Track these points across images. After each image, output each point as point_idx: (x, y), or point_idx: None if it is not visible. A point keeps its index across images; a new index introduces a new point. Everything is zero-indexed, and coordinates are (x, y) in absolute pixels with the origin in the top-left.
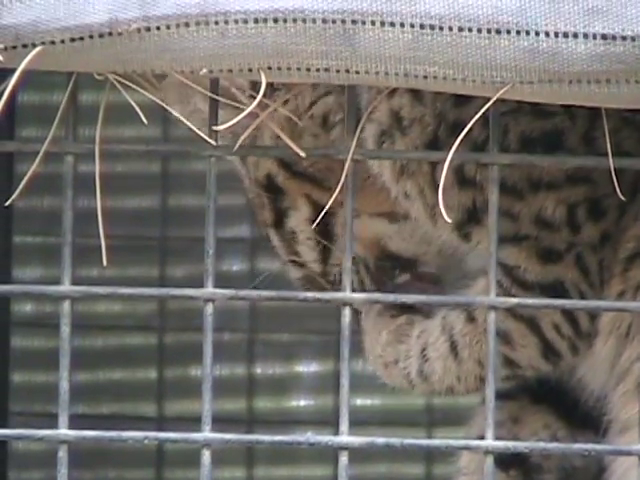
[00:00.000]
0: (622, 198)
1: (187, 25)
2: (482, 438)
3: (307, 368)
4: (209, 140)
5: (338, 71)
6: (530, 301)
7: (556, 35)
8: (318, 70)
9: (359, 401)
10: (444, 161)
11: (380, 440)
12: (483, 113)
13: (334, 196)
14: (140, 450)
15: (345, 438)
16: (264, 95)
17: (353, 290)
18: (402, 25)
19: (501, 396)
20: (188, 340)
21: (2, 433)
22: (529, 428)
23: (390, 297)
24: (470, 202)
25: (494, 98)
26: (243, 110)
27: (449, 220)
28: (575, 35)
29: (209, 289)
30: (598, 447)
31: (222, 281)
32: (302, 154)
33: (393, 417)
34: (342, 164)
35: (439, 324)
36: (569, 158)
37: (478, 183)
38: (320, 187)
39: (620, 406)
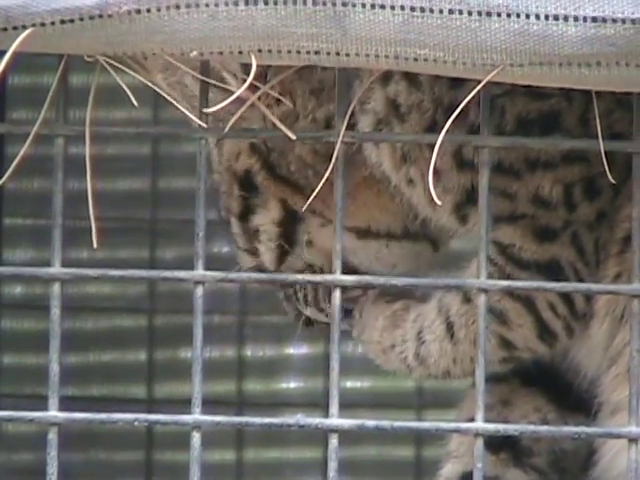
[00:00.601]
0: (612, 181)
1: (177, 7)
2: (472, 421)
3: (297, 350)
4: (199, 122)
5: (328, 53)
6: (520, 283)
7: (546, 18)
8: (308, 53)
9: (349, 383)
10: (436, 145)
11: (370, 423)
12: (479, 95)
13: (324, 180)
14: (130, 432)
15: (335, 420)
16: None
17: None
18: (392, 7)
19: (491, 379)
20: (178, 322)
21: None
22: (519, 411)
23: (380, 279)
24: (469, 183)
25: (484, 81)
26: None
27: (439, 202)
28: (565, 18)
29: (199, 271)
30: (588, 430)
31: (212, 263)
32: (292, 136)
33: (383, 400)
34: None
35: (435, 306)
36: (561, 140)
37: (476, 165)
38: (300, 194)
39: (611, 389)
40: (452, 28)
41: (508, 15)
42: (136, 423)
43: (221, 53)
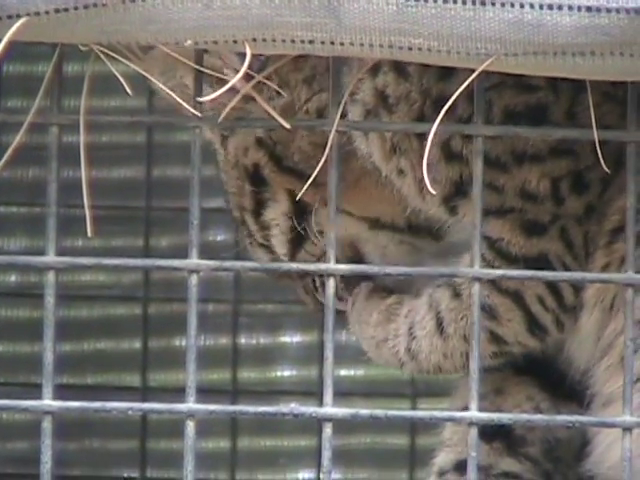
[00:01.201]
0: (606, 170)
1: None
2: (466, 410)
3: (291, 339)
4: (194, 111)
5: (323, 43)
6: (515, 272)
7: (541, 7)
8: (303, 42)
9: (343, 372)
10: (430, 134)
11: (364, 411)
12: (467, 88)
13: (318, 168)
14: (124, 421)
15: (329, 409)
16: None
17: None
18: None
19: (485, 368)
20: (172, 311)
21: None
22: (512, 400)
23: (374, 269)
24: (457, 175)
25: (479, 70)
26: (234, 87)
27: (433, 192)
28: (560, 7)
29: (194, 260)
30: (582, 419)
31: (207, 252)
32: (287, 126)
33: (377, 388)
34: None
35: (426, 302)
36: (553, 130)
37: (464, 157)
38: (302, 181)
39: (604, 380)
40: (446, 17)
41: (502, 4)
42: (130, 412)
43: (215, 42)
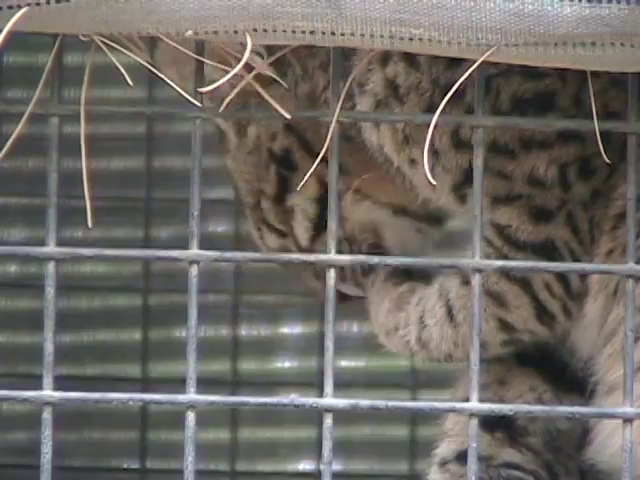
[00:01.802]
0: (607, 161)
1: None
2: (467, 400)
3: (292, 330)
4: (194, 102)
5: (324, 33)
6: (514, 263)
7: None
8: (304, 32)
9: (344, 363)
10: (431, 125)
11: (364, 402)
12: (460, 81)
13: (319, 157)
14: (124, 411)
15: (330, 400)
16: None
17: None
18: None
19: (494, 356)
20: (173, 301)
21: None
22: (515, 390)
23: (375, 259)
24: (467, 164)
25: (479, 60)
26: (240, 76)
27: (434, 182)
28: None
29: (194, 251)
30: (583, 410)
31: (207, 242)
32: (287, 116)
33: (377, 379)
34: (361, 149)
35: (436, 290)
36: (554, 121)
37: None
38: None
39: (607, 367)
40: (447, 8)
41: None
42: (131, 402)
43: (216, 33)
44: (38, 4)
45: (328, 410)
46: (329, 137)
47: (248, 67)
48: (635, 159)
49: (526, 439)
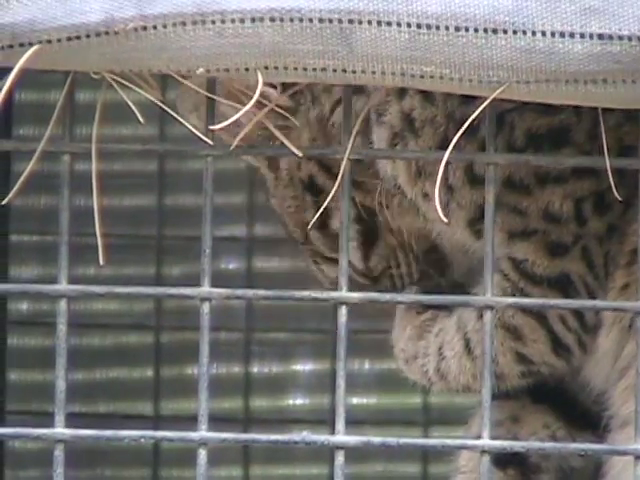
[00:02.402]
0: (619, 198)
1: (184, 24)
2: (480, 437)
3: (303, 367)
4: (206, 139)
5: (335, 70)
6: (527, 301)
7: (552, 35)
8: (315, 70)
9: (355, 400)
10: (442, 162)
11: (376, 439)
12: (471, 118)
13: (331, 194)
14: (136, 449)
15: (341, 437)
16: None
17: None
18: (399, 24)
19: (501, 395)
20: (184, 339)
21: None
22: (528, 428)
23: (386, 297)
24: (481, 199)
25: (490, 98)
26: (253, 114)
27: (445, 220)
28: (572, 35)
29: (206, 288)
30: (595, 447)
31: (218, 280)
32: (299, 154)
33: (389, 416)
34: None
35: (455, 323)
36: (566, 158)
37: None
38: (359, 189)
39: (621, 402)
40: (458, 45)
41: (514, 32)
42: (143, 440)
43: (227, 70)
44: (49, 42)
45: (340, 447)
46: (340, 174)
47: (260, 104)
48: None
49: (539, 476)
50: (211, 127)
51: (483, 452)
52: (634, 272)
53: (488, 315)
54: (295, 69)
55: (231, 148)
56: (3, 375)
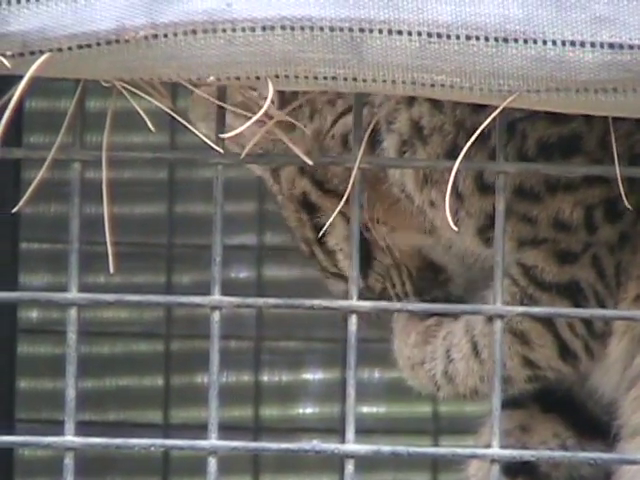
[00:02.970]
0: (628, 206)
1: (194, 32)
2: (490, 446)
3: (313, 376)
4: (216, 148)
5: (345, 79)
6: (537, 309)
7: (563, 44)
8: (325, 78)
9: (365, 409)
10: (453, 171)
11: (386, 448)
12: (482, 127)
13: (342, 203)
14: (146, 457)
15: (351, 446)
16: (273, 103)
17: (367, 298)
18: (409, 33)
19: (510, 404)
20: (194, 347)
21: (8, 440)
22: (538, 437)
23: (396, 305)
24: (490, 208)
25: (501, 107)
26: (264, 123)
27: (455, 228)
28: (582, 44)
29: (216, 296)
30: (604, 456)
31: (228, 288)
32: (309, 162)
33: (399, 425)
34: (372, 182)
35: (462, 325)
36: (575, 167)
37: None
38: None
39: (631, 411)
40: (469, 54)
41: (525, 41)
42: (152, 448)
43: (238, 78)
44: (60, 50)
45: (350, 456)
46: (351, 183)
47: (263, 116)
48: None
49: None
50: (221, 135)
51: (493, 461)
52: None
53: (498, 324)
54: (306, 77)
55: (241, 156)
56: (13, 383)
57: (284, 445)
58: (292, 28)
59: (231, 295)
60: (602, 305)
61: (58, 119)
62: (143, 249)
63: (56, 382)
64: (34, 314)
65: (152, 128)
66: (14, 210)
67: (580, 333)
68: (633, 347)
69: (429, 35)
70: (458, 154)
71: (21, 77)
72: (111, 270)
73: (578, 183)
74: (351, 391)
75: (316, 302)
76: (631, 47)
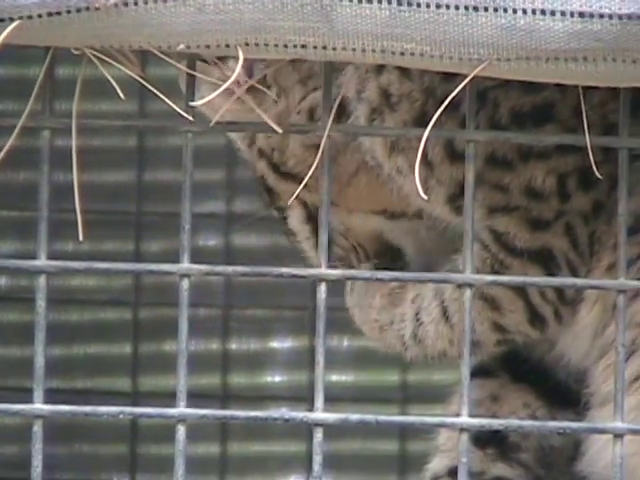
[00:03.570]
0: (599, 176)
1: (165, 0)
2: (459, 415)
3: (282, 344)
4: (186, 115)
5: (315, 47)
6: (506, 278)
7: (533, 12)
8: (295, 46)
9: (334, 377)
10: (423, 139)
11: (354, 417)
12: (472, 88)
13: (310, 172)
14: (114, 425)
15: (320, 415)
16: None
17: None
18: (379, 1)
19: (481, 373)
20: (163, 315)
21: None
22: (508, 407)
23: (366, 274)
24: (460, 176)
25: (471, 75)
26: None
27: (425, 197)
28: (552, 12)
29: (185, 264)
30: (573, 425)
31: (197, 256)
32: (279, 130)
33: (367, 393)
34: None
35: (432, 288)
36: (547, 136)
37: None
38: (306, 187)
39: (602, 379)
40: (439, 22)
41: (495, 10)
42: (121, 416)
43: (208, 47)
44: (30, 17)
45: (318, 424)
46: (320, 151)
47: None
48: (626, 174)
49: (518, 455)
50: (191, 103)
51: (462, 430)
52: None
53: (468, 293)
54: (276, 46)
55: (211, 124)
56: None
57: (252, 413)
58: None
59: (200, 263)
60: (574, 273)
61: (28, 86)
62: (112, 217)
63: (24, 350)
64: (2, 281)
65: (122, 96)
66: None
67: (551, 299)
68: (605, 316)
69: (399, 3)
70: (427, 122)
71: None
72: (80, 238)
73: (551, 151)
74: (320, 359)
75: (285, 270)
76: (601, 16)
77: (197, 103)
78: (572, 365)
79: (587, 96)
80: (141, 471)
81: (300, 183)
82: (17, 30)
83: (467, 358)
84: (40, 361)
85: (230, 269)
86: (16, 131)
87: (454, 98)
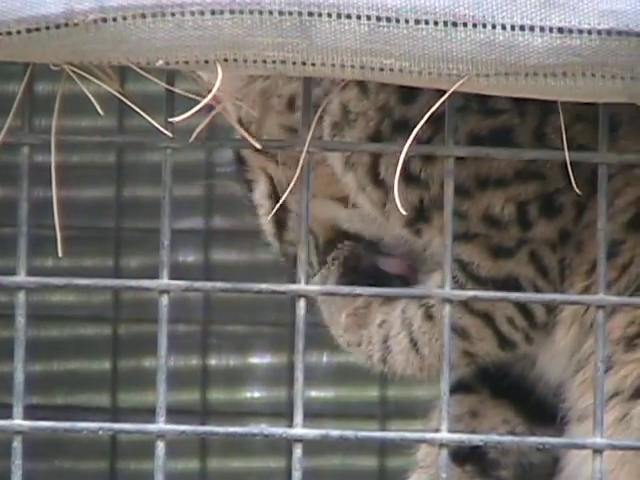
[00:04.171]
0: (577, 192)
1: (143, 16)
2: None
3: (261, 360)
4: (165, 132)
5: (294, 63)
6: (486, 294)
7: (512, 28)
8: (274, 62)
9: (313, 393)
10: (394, 154)
11: (334, 432)
12: (426, 111)
13: (290, 187)
14: (94, 441)
15: (299, 430)
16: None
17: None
18: (358, 17)
19: (461, 388)
20: (142, 331)
21: None
22: (488, 423)
23: (345, 289)
24: (417, 200)
25: (450, 90)
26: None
27: (404, 212)
28: (531, 28)
29: (164, 280)
30: (553, 440)
31: (176, 272)
32: (257, 146)
33: (347, 409)
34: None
35: (399, 316)
36: (524, 151)
37: (423, 180)
38: (273, 161)
39: (578, 395)
40: (418, 38)
41: (474, 25)
42: (100, 432)
43: (187, 62)
44: (9, 33)
45: (298, 440)
46: (299, 167)
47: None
48: (605, 190)
49: (498, 472)
50: (170, 119)
51: (441, 445)
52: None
53: (447, 309)
54: (255, 62)
55: (190, 140)
56: None
57: (232, 429)
58: (241, 12)
59: (179, 279)
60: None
61: (7, 103)
62: (91, 233)
63: (3, 366)
64: None
65: (101, 112)
66: None
67: (520, 325)
68: (582, 334)
69: (378, 19)
70: (380, 140)
71: None
72: (59, 254)
73: (510, 179)
74: (299, 375)
75: (264, 286)
76: (580, 31)
77: (176, 119)
78: (552, 383)
79: (550, 118)
80: None
81: (270, 158)
82: None
83: (447, 374)
84: (20, 377)
85: (209, 285)
86: None
87: (410, 122)
